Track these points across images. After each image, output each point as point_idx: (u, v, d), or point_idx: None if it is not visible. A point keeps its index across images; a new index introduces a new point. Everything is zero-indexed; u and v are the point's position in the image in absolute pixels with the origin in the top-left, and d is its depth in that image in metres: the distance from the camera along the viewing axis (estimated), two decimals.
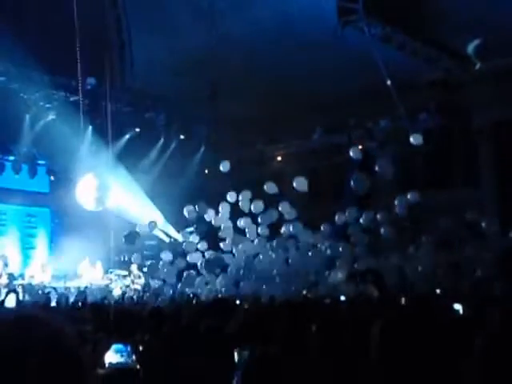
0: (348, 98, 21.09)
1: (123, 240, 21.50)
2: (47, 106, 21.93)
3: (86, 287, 21.32)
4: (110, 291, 21.48)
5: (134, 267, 22.62)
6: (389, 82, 20.32)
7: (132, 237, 21.13)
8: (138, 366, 4.93)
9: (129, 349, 5.09)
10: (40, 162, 23.64)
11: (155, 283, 21.83)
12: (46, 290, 20.25)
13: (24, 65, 19.94)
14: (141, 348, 5.28)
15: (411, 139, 19.79)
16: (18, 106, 20.98)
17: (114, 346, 5.08)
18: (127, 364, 4.97)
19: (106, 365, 5.01)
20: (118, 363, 4.95)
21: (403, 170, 21.30)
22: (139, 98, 23.49)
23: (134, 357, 5.04)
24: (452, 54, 21.15)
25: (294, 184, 20.83)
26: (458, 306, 7.91)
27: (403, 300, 9.95)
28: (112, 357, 5.03)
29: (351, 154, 20.65)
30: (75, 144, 21.77)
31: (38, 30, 20.45)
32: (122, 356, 5.06)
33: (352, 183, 19.50)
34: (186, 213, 22.09)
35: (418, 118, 21.38)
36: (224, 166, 21.91)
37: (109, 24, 23.91)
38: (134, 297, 20.45)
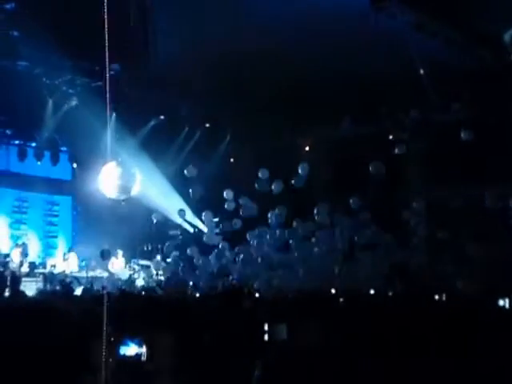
0: (379, 87, 20.53)
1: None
2: (70, 91, 21.57)
3: (108, 277, 21.12)
4: (133, 281, 21.26)
5: (157, 257, 22.38)
6: (421, 71, 19.73)
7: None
8: (150, 358, 4.69)
9: (142, 341, 4.82)
10: (62, 148, 23.35)
11: (179, 274, 21.59)
12: (68, 280, 20.03)
13: (47, 50, 19.60)
14: (153, 341, 5.03)
15: (462, 135, 19.17)
16: (40, 91, 20.63)
17: (129, 338, 4.80)
18: (141, 355, 4.69)
19: (121, 356, 4.75)
20: (131, 355, 4.67)
21: (435, 162, 20.72)
22: (164, 85, 23.04)
23: (145, 348, 4.77)
24: (487, 42, 20.46)
25: None
26: (503, 302, 7.97)
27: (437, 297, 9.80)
28: (126, 349, 4.75)
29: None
30: (98, 131, 21.40)
31: (61, 15, 20.05)
32: (135, 347, 4.78)
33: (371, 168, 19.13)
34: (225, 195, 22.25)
35: (451, 109, 20.72)
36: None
37: (133, 9, 23.50)
38: (157, 287, 20.24)
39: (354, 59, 20.13)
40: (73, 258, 21.52)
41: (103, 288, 18.77)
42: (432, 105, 20.57)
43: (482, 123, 20.19)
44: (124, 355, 4.65)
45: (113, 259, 21.74)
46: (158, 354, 4.55)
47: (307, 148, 24.96)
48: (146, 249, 23.66)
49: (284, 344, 4.34)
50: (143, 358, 4.60)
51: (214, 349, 4.35)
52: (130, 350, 4.76)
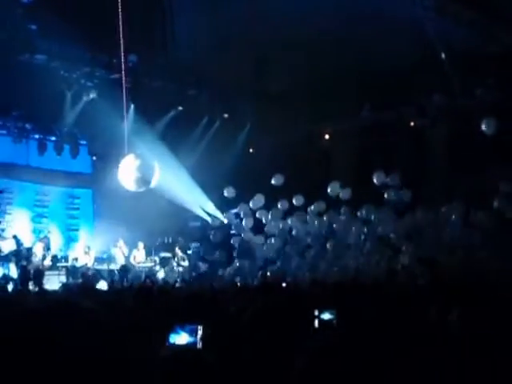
0: (399, 73, 20.27)
1: None
2: (88, 84, 21.49)
3: (130, 269, 21.09)
4: (154, 274, 21.22)
5: (178, 249, 22.32)
6: (443, 56, 19.44)
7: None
8: (202, 346, 4.60)
9: (193, 329, 4.73)
10: (82, 142, 23.31)
11: (201, 265, 21.58)
12: (90, 273, 20.02)
13: (65, 43, 19.53)
14: (204, 328, 4.96)
15: (483, 126, 18.84)
16: (59, 84, 20.57)
17: (178, 327, 4.71)
18: (192, 344, 4.59)
19: (170, 345, 4.66)
20: (182, 344, 4.58)
21: (458, 148, 20.44)
22: (182, 76, 22.90)
23: (198, 337, 4.69)
24: (510, 25, 20.12)
25: None
26: None
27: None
28: (176, 337, 4.66)
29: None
30: (117, 123, 21.37)
31: (78, 8, 19.96)
32: (187, 336, 4.68)
33: None
34: (226, 193, 22.42)
35: (474, 94, 20.39)
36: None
37: (151, 1, 23.37)
38: (178, 279, 20.23)
39: (375, 46, 19.90)
40: (94, 251, 21.50)
41: (146, 279, 18.92)
42: (455, 90, 20.25)
43: (507, 108, 19.86)
44: (174, 344, 4.54)
45: (134, 251, 21.72)
46: (213, 342, 4.46)
47: (327, 137, 24.73)
48: (166, 241, 23.59)
49: (332, 333, 4.23)
50: (198, 346, 4.49)
51: (260, 337, 4.26)
52: (181, 338, 4.64)
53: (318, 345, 2.91)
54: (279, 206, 21.96)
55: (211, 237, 22.65)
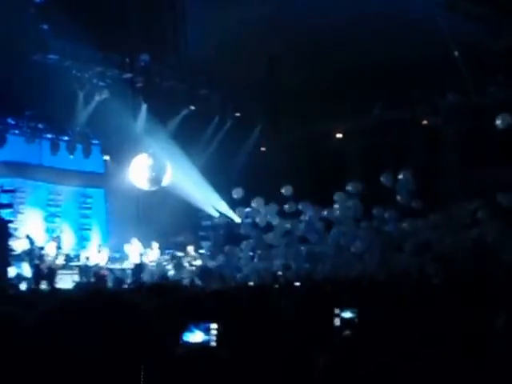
0: (411, 71, 20.21)
1: None
2: (101, 84, 21.52)
3: (144, 268, 21.12)
4: (166, 272, 21.24)
5: (190, 248, 22.33)
6: (456, 53, 19.38)
7: None
8: (217, 344, 4.56)
9: (207, 327, 4.68)
10: (94, 141, 23.36)
11: (213, 264, 21.57)
12: (102, 272, 20.06)
13: (77, 42, 19.58)
14: (219, 326, 4.93)
15: (497, 121, 18.73)
16: (71, 84, 20.61)
17: (192, 325, 4.67)
18: (206, 342, 4.55)
19: (185, 344, 4.63)
20: (196, 342, 4.54)
21: (471, 146, 20.36)
22: (194, 75, 22.93)
23: (212, 335, 4.65)
24: None
25: None
26: None
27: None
28: (190, 336, 4.62)
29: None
30: (129, 123, 21.42)
31: (90, 7, 20.01)
32: (201, 334, 4.64)
33: None
34: (234, 195, 22.41)
35: (487, 92, 20.31)
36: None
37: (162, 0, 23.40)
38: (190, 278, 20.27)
39: (387, 44, 19.85)
40: (106, 250, 21.54)
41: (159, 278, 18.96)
42: (467, 88, 20.17)
43: None
44: (188, 342, 4.52)
45: (148, 250, 21.74)
46: (227, 340, 4.45)
47: (339, 135, 24.68)
48: (178, 240, 23.59)
49: (354, 332, 4.26)
50: (213, 344, 4.47)
51: (280, 335, 4.28)
52: (196, 336, 4.63)
53: (341, 342, 2.92)
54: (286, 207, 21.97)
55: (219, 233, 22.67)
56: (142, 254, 21.60)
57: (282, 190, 21.82)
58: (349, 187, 20.80)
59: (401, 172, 19.89)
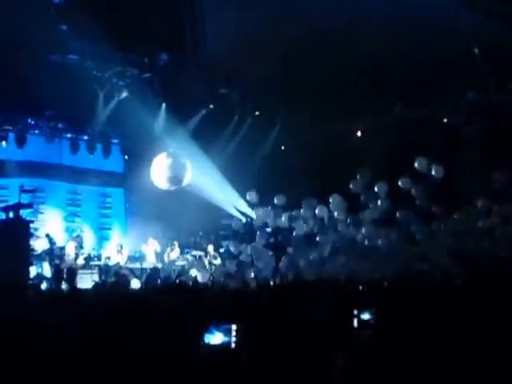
0: (431, 69, 20.07)
1: None
2: (120, 83, 21.56)
3: (163, 268, 21.15)
4: (186, 272, 21.24)
5: (210, 248, 22.32)
6: (476, 51, 19.21)
7: None
8: (237, 346, 4.59)
9: (227, 328, 4.70)
10: (114, 141, 23.43)
11: (232, 264, 21.53)
12: (123, 271, 20.09)
13: (96, 42, 19.62)
14: (238, 327, 4.95)
15: None
16: (91, 84, 20.66)
17: (212, 327, 4.69)
18: (226, 344, 4.57)
19: (205, 345, 4.65)
20: (217, 344, 4.56)
21: (492, 145, 20.17)
22: (213, 74, 22.90)
23: (232, 336, 4.66)
24: None
25: None
26: None
27: None
28: (210, 337, 4.63)
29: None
30: (149, 122, 21.44)
31: (109, 7, 20.05)
32: (221, 336, 4.66)
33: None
34: (248, 198, 22.37)
35: (507, 89, 20.12)
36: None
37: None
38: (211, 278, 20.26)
39: (407, 42, 19.71)
40: (127, 249, 21.57)
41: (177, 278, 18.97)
42: (488, 86, 19.99)
43: None
44: (209, 344, 4.53)
45: (168, 250, 21.76)
46: (247, 342, 4.46)
47: (359, 134, 24.57)
48: (198, 239, 23.60)
49: (372, 333, 4.24)
50: (233, 345, 4.48)
51: (301, 336, 4.27)
52: (216, 338, 4.63)
53: (360, 343, 2.90)
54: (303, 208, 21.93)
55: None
56: (158, 253, 21.62)
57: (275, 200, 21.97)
58: (376, 188, 20.81)
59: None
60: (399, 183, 20.45)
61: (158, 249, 21.69)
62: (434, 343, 3.64)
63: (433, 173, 20.16)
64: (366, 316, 5.08)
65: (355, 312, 5.04)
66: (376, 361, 2.80)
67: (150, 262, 21.29)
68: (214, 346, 4.50)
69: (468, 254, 16.89)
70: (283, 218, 21.97)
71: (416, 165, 20.36)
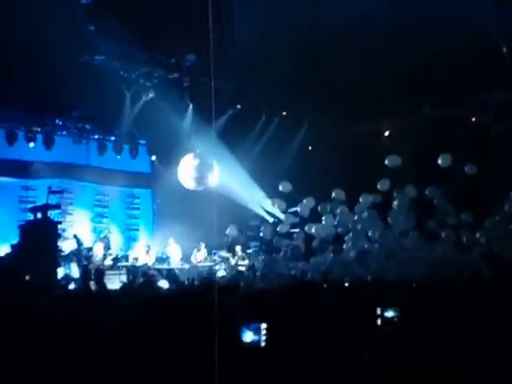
0: (460, 68, 19.88)
1: None
2: (147, 84, 21.60)
3: (190, 269, 21.13)
4: (214, 273, 21.19)
5: (238, 248, 22.28)
6: (504, 49, 19.01)
7: None
8: (267, 344, 4.57)
9: (257, 327, 4.69)
10: (141, 141, 23.48)
11: (260, 264, 21.48)
12: (151, 272, 20.09)
13: (123, 43, 19.65)
14: (269, 326, 4.92)
15: None
16: (118, 85, 20.72)
17: (244, 325, 4.67)
18: (256, 342, 4.56)
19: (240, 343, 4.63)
20: (247, 342, 4.54)
21: None
22: (240, 74, 22.85)
23: (262, 335, 4.64)
24: None
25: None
26: None
27: None
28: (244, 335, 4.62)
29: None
30: (176, 123, 21.45)
31: (136, 8, 20.07)
32: (251, 334, 4.65)
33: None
34: (281, 188, 22.44)
35: None
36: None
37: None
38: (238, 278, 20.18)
39: (435, 42, 19.55)
40: (154, 250, 21.59)
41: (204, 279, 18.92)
42: None
43: None
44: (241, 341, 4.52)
45: (195, 251, 21.76)
46: (276, 340, 4.44)
47: (387, 133, 24.41)
48: (225, 240, 23.56)
49: (396, 330, 4.21)
50: (262, 344, 4.47)
51: (326, 334, 4.24)
52: (246, 336, 4.63)
53: (384, 340, 2.86)
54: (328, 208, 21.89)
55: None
56: (183, 255, 21.63)
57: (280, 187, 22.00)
58: (406, 190, 20.76)
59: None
60: (426, 192, 20.42)
61: (179, 251, 21.69)
62: (458, 344, 3.59)
63: (466, 170, 20.07)
64: (389, 314, 5.05)
65: (378, 311, 5.00)
66: (399, 359, 2.76)
67: (176, 262, 21.29)
68: (246, 344, 4.48)
69: (500, 256, 16.69)
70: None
71: (439, 161, 20.26)
